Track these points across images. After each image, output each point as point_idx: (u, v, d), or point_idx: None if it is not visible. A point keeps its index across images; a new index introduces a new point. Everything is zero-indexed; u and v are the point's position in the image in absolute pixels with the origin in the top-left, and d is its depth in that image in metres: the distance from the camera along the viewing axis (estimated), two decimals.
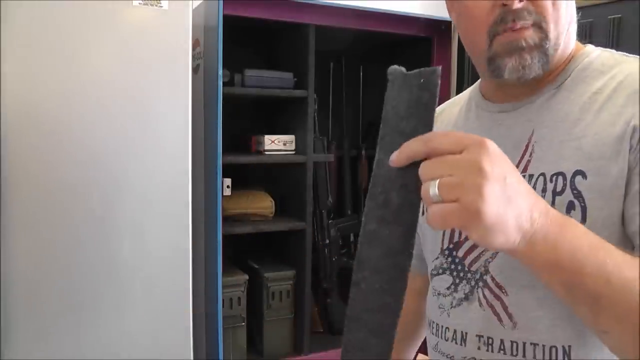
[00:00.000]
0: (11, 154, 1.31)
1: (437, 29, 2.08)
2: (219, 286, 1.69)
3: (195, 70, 1.85)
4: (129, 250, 1.45)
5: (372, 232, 0.48)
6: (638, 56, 0.66)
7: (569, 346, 0.60)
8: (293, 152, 1.95)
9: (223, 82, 1.67)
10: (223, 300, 1.74)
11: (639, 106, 0.58)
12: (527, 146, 0.65)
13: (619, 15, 1.59)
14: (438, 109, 0.88)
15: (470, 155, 0.44)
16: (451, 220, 0.44)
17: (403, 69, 0.50)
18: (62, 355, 1.37)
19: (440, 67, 0.48)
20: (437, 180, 0.44)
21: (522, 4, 0.61)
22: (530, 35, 0.62)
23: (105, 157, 1.41)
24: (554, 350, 0.60)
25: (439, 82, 0.48)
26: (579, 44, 0.70)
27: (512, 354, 0.62)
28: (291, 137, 1.95)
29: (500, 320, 0.64)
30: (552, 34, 0.63)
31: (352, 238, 2.26)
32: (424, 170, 0.46)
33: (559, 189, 0.60)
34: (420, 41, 2.13)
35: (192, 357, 1.55)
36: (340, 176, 2.29)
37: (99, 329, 1.42)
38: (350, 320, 0.49)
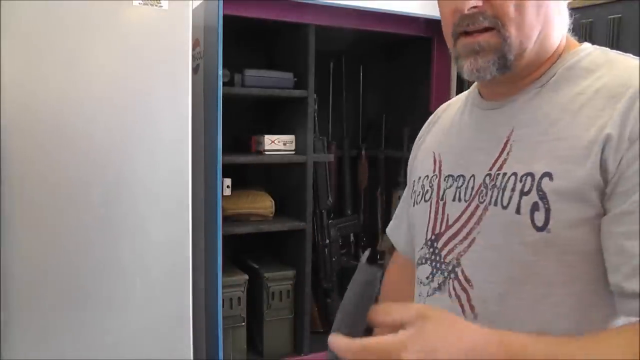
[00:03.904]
0: (11, 154, 1.31)
1: (437, 29, 2.06)
2: (219, 286, 1.69)
3: (195, 70, 1.85)
4: (129, 250, 1.45)
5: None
6: (635, 56, 0.66)
7: None
8: (293, 152, 1.95)
9: (223, 82, 1.67)
10: (223, 300, 1.74)
11: (619, 112, 0.58)
12: (505, 144, 0.67)
13: (619, 15, 1.59)
14: (438, 111, 0.90)
15: None
16: None
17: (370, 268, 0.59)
18: (62, 355, 1.37)
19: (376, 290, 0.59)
20: None
21: (476, 9, 0.63)
22: (486, 39, 0.64)
23: (105, 157, 1.41)
24: None
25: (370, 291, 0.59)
26: (574, 42, 0.70)
27: None
28: (291, 137, 1.95)
29: (463, 311, 0.66)
30: (513, 37, 0.63)
31: (352, 238, 2.27)
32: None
33: (526, 189, 0.61)
34: (420, 41, 2.13)
35: (192, 357, 1.55)
36: (340, 176, 2.29)
37: (99, 328, 1.42)
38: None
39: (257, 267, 1.99)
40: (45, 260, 1.36)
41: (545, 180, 0.60)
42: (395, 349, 0.52)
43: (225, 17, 1.62)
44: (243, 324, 1.89)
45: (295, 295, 1.97)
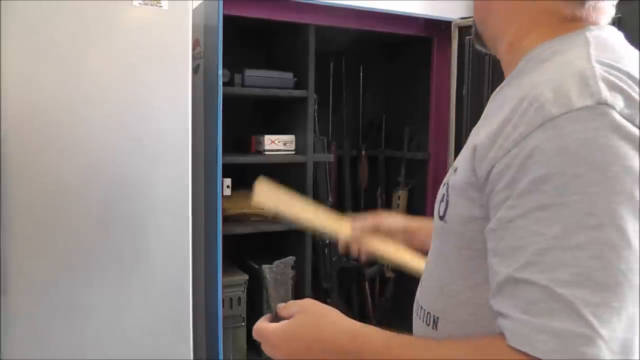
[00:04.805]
0: (11, 154, 1.31)
1: (437, 29, 2.08)
2: (219, 286, 1.69)
3: (195, 70, 1.85)
4: (129, 250, 1.45)
5: None
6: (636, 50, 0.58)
7: (437, 317, 0.66)
8: (293, 152, 1.95)
9: (223, 82, 1.67)
10: (223, 300, 1.74)
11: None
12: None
13: (619, 15, 1.59)
14: None
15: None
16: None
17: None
18: (62, 355, 1.38)
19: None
20: None
21: None
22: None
23: (105, 157, 1.41)
24: (429, 316, 0.68)
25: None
26: (582, 24, 0.60)
27: (417, 314, 0.71)
28: (291, 137, 1.95)
29: (419, 285, 0.74)
30: (476, 15, 0.71)
31: None
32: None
33: (446, 181, 0.66)
34: (420, 41, 2.13)
35: (192, 357, 1.55)
36: (340, 176, 2.29)
37: (99, 328, 1.43)
38: None
39: (257, 267, 1.99)
40: (45, 261, 1.36)
41: (453, 174, 0.63)
42: (266, 335, 0.68)
43: (225, 17, 1.62)
44: (243, 324, 1.89)
45: (295, 296, 1.97)
